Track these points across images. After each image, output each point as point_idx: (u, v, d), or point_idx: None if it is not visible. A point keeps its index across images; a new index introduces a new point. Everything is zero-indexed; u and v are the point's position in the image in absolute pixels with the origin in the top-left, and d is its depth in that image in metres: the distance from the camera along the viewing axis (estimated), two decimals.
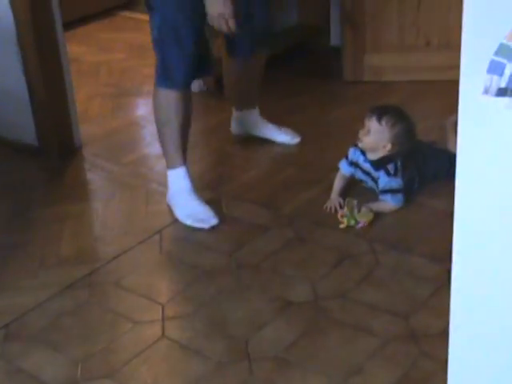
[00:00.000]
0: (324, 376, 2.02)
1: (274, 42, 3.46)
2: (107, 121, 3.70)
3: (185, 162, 2.81)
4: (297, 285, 2.40)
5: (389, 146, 2.74)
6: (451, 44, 3.60)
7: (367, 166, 2.82)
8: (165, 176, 2.86)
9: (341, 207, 2.72)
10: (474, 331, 1.42)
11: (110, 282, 2.47)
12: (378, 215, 2.71)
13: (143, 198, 2.95)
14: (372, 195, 2.81)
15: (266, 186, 2.98)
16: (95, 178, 3.19)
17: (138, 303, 2.37)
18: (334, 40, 4.27)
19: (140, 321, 2.29)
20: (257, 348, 2.14)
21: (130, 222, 2.82)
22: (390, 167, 2.74)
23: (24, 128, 3.32)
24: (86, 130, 3.48)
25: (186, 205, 2.77)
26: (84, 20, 5.15)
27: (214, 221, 2.72)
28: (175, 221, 2.77)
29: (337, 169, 2.89)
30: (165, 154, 2.84)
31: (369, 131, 2.74)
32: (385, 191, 2.75)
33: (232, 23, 2.58)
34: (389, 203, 2.75)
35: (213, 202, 2.82)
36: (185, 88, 2.74)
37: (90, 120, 3.66)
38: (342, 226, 2.65)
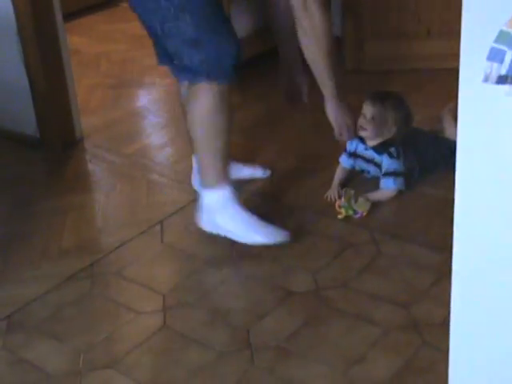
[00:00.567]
0: (325, 365, 2.02)
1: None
2: (108, 112, 3.69)
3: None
4: (298, 274, 2.40)
5: (394, 129, 2.74)
6: (452, 32, 3.58)
7: (369, 153, 2.81)
8: (166, 166, 2.83)
9: (339, 197, 2.72)
10: (475, 320, 1.42)
11: (111, 272, 2.48)
12: (379, 205, 2.71)
13: (144, 188, 2.95)
14: (370, 186, 2.80)
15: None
16: (96, 170, 3.19)
17: (140, 293, 2.37)
18: (335, 29, 4.24)
19: (142, 311, 2.29)
20: (258, 338, 2.14)
21: (131, 213, 2.82)
22: (393, 150, 2.75)
23: (25, 120, 3.32)
24: (87, 121, 3.48)
25: (250, 223, 2.51)
26: (84, 11, 5.14)
27: (284, 233, 2.51)
28: (176, 211, 2.77)
29: (338, 157, 2.89)
30: (210, 170, 2.44)
31: (373, 117, 2.73)
32: (388, 174, 2.75)
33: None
34: (389, 188, 2.75)
35: None
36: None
37: (90, 111, 3.66)
38: (339, 216, 2.65)
